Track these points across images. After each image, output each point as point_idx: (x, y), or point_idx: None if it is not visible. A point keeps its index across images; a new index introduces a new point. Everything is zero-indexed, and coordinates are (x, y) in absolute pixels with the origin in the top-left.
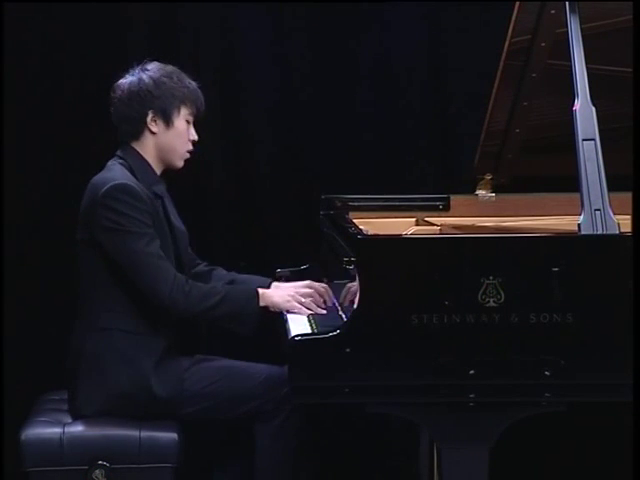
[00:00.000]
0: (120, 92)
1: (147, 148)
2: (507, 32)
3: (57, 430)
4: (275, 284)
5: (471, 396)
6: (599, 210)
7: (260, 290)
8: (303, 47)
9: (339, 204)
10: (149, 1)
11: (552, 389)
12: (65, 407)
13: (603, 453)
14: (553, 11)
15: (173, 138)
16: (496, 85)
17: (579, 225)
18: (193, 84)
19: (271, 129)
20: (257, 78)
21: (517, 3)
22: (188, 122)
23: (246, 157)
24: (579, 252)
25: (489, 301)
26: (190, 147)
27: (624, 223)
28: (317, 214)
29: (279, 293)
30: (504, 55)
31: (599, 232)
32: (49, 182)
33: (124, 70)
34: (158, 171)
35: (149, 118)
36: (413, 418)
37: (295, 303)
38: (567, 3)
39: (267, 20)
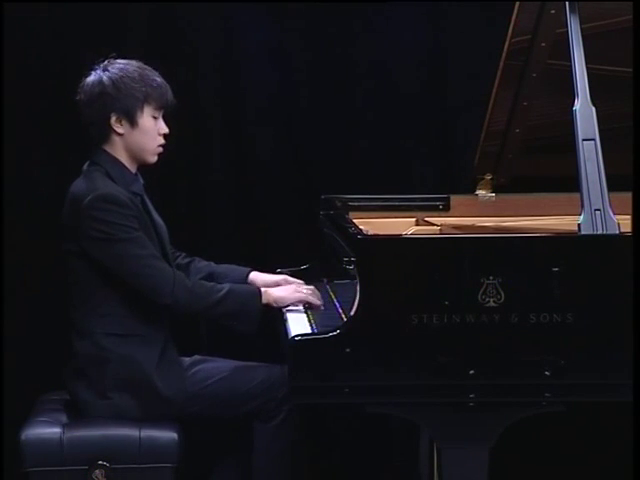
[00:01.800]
0: (83, 95)
1: (117, 149)
2: (507, 32)
3: (57, 430)
4: (254, 273)
5: (471, 396)
6: (599, 210)
7: (262, 288)
8: (303, 47)
9: (339, 204)
10: (149, 1)
11: (552, 389)
12: (64, 407)
13: (603, 453)
14: (553, 11)
15: (140, 137)
16: (496, 85)
17: (579, 225)
18: (158, 80)
19: (271, 129)
20: (257, 78)
21: (517, 3)
22: (155, 117)
23: (246, 157)
24: (579, 252)
25: (489, 301)
26: (161, 141)
27: (624, 223)
28: (317, 214)
29: (281, 289)
30: (504, 55)
31: (599, 232)
32: (49, 182)
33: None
34: (133, 169)
35: (113, 120)
36: (413, 418)
37: (299, 294)
38: (567, 3)
39: (267, 20)
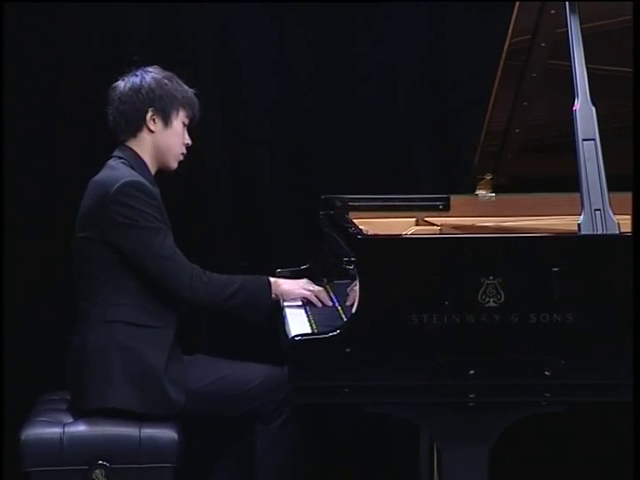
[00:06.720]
0: (120, 91)
1: (144, 147)
2: (507, 32)
3: (57, 430)
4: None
5: (471, 396)
6: (599, 210)
7: (272, 279)
8: (303, 47)
9: (339, 204)
10: (149, 1)
11: (552, 389)
12: (64, 407)
13: (603, 453)
14: (553, 11)
15: (171, 138)
16: (496, 85)
17: (579, 225)
18: (191, 90)
19: (271, 129)
20: (257, 78)
21: (517, 3)
22: (184, 124)
23: (246, 157)
24: (579, 252)
25: (489, 301)
26: (184, 150)
27: (624, 223)
28: (317, 214)
29: (289, 282)
30: (504, 55)
31: (599, 232)
32: (49, 181)
33: (124, 70)
34: (152, 172)
35: (148, 116)
36: (413, 418)
37: (304, 291)
38: (567, 3)
39: (267, 20)
